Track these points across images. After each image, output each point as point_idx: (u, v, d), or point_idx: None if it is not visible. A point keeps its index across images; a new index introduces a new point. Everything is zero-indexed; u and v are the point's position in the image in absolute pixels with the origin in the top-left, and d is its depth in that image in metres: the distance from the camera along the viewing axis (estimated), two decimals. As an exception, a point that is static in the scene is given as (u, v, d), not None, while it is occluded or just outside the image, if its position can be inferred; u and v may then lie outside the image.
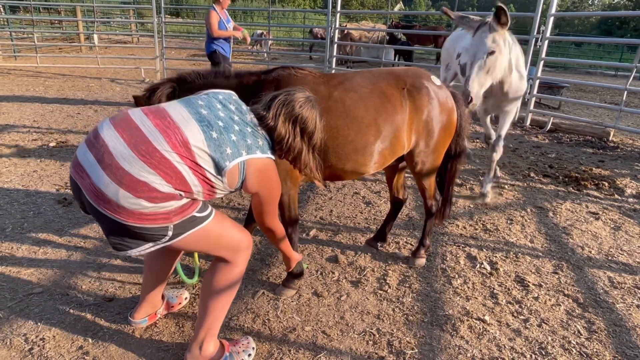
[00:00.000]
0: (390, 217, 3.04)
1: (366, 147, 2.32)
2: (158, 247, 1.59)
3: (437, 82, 2.52)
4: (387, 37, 13.92)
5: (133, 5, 17.07)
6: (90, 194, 1.48)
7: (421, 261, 2.85)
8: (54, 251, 2.82)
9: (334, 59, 9.71)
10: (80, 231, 3.09)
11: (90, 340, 2.07)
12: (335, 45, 9.54)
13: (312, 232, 3.24)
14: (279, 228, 1.94)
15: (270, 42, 16.44)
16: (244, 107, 1.78)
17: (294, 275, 2.51)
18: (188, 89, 2.12)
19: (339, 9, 9.30)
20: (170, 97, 2.13)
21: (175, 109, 1.61)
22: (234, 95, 1.81)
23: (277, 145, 1.78)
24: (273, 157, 1.76)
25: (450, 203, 2.91)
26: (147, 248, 1.58)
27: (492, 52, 3.22)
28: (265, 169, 1.71)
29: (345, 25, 14.94)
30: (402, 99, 2.38)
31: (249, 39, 6.60)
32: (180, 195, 1.54)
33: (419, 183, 2.71)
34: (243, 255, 1.82)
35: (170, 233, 1.56)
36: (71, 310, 2.27)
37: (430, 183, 2.71)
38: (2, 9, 13.67)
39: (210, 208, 1.73)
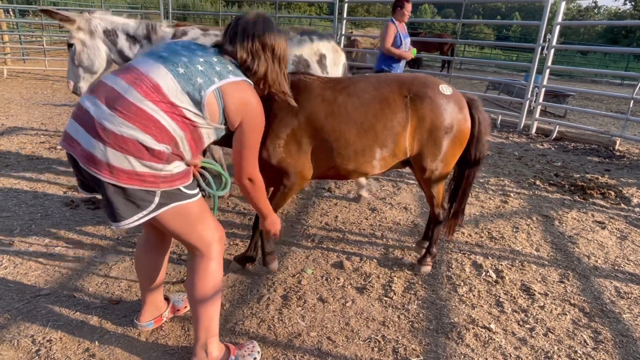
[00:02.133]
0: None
1: (365, 149, 2.42)
2: (145, 218, 1.61)
3: (447, 90, 2.49)
4: None
5: (141, 11, 17.21)
6: (83, 160, 1.53)
7: (427, 268, 2.85)
8: (61, 253, 2.84)
9: (340, 65, 9.74)
10: (88, 234, 3.11)
11: (96, 342, 2.09)
12: (341, 52, 9.57)
13: (318, 238, 3.25)
14: (258, 179, 1.88)
15: None
16: (206, 45, 1.80)
17: (267, 252, 2.72)
18: None
19: (345, 15, 9.35)
20: None
21: (141, 61, 1.66)
22: (193, 42, 1.81)
23: (244, 68, 1.77)
24: (249, 80, 1.75)
25: (462, 214, 2.90)
26: (137, 219, 1.60)
27: (70, 45, 3.46)
28: (243, 91, 1.69)
29: (352, 32, 15.01)
30: (404, 106, 2.42)
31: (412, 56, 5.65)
32: (167, 149, 1.56)
33: (426, 191, 2.71)
34: (216, 248, 1.82)
35: (156, 200, 1.59)
36: (78, 313, 2.28)
37: (439, 191, 2.71)
38: (11, 13, 13.83)
39: (197, 190, 1.75)
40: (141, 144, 1.52)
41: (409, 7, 5.30)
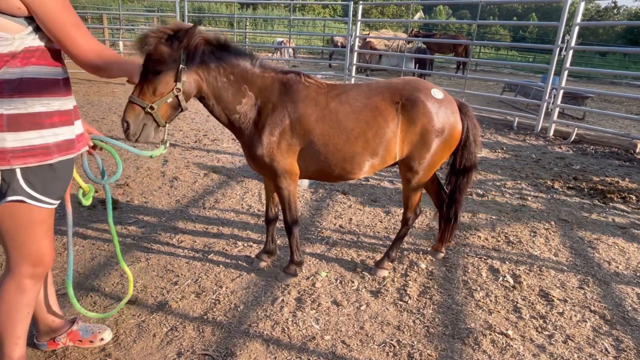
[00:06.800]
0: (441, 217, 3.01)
1: (354, 157, 2.45)
2: None
3: (439, 95, 2.52)
4: (414, 47, 14.05)
5: (157, 14, 17.45)
6: None
7: (382, 272, 2.80)
8: (78, 253, 2.87)
9: (354, 67, 9.73)
10: (104, 234, 3.14)
11: (112, 342, 2.10)
12: (355, 54, 9.56)
13: (332, 240, 3.23)
14: (105, 53, 1.66)
15: (296, 49, 16.75)
16: None
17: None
18: (213, 52, 2.24)
19: (359, 17, 9.33)
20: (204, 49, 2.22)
21: None
22: None
23: None
24: None
25: (456, 223, 2.88)
26: None
27: None
28: None
29: (368, 34, 15.00)
30: (395, 113, 2.44)
31: None
32: None
33: (405, 191, 2.70)
34: (26, 270, 1.60)
35: None
36: (94, 312, 2.30)
37: (417, 194, 2.70)
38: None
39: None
40: None
41: None
